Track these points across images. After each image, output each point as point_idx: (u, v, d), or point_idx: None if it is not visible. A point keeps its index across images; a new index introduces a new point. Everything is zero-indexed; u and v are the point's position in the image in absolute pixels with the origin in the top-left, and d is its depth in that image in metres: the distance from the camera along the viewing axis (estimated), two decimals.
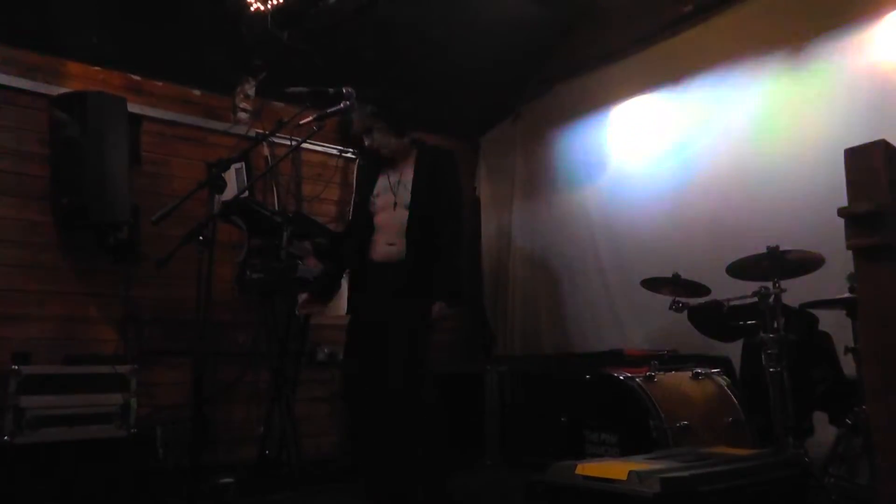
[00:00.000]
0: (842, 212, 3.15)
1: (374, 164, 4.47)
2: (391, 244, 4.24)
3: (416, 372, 4.08)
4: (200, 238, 3.70)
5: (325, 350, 6.13)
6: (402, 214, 4.23)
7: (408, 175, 4.31)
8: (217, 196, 3.93)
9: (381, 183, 4.37)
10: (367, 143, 4.37)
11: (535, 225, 6.86)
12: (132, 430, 4.81)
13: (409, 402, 4.09)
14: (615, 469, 2.95)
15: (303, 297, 5.27)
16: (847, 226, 3.32)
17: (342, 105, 4.20)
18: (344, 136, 6.51)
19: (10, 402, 4.44)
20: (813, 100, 4.97)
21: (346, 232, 4.84)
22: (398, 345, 4.10)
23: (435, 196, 4.26)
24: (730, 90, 5.47)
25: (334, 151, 6.52)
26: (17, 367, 4.51)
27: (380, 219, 4.33)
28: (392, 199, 4.28)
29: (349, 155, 6.65)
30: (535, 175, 7.02)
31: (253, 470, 5.08)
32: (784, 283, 4.03)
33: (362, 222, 4.39)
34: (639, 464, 3.08)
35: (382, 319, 4.15)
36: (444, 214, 4.25)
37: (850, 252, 2.61)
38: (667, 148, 5.88)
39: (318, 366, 6.03)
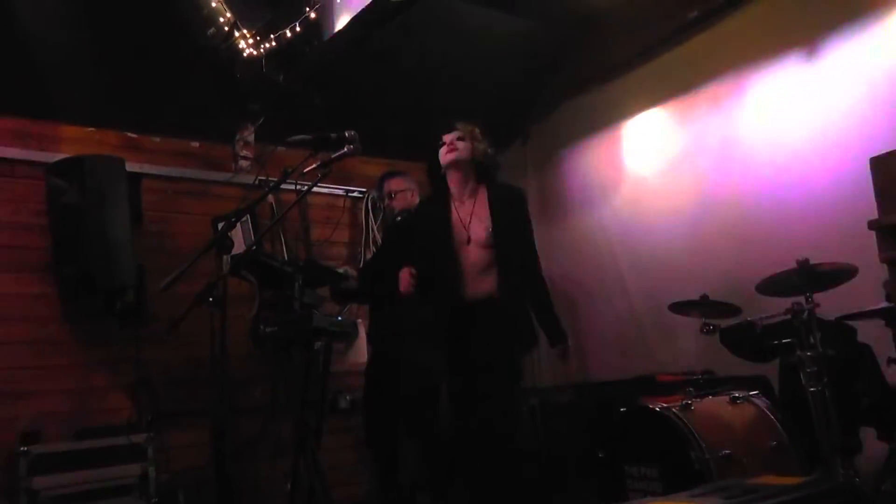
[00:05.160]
0: (873, 224, 3.01)
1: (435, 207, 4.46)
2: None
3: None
4: (210, 299, 3.60)
5: (347, 397, 6.04)
6: (477, 251, 4.23)
7: (481, 212, 4.29)
8: (225, 256, 3.83)
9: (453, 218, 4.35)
10: (446, 148, 4.33)
11: (552, 249, 6.67)
12: (153, 500, 4.74)
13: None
14: None
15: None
16: (879, 238, 3.17)
17: (346, 149, 4.10)
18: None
19: (23, 485, 4.36)
20: (832, 101, 4.81)
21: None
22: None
23: (513, 234, 4.27)
24: (744, 96, 5.33)
25: (340, 192, 6.43)
26: (25, 449, 4.43)
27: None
28: (465, 235, 4.26)
29: (356, 194, 6.56)
30: (549, 197, 6.89)
31: None
32: (817, 297, 3.88)
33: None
34: (683, 503, 2.96)
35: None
36: (529, 254, 4.36)
37: None
38: (683, 161, 5.75)
39: (340, 414, 5.93)
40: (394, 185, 5.54)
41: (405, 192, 5.52)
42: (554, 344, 4.31)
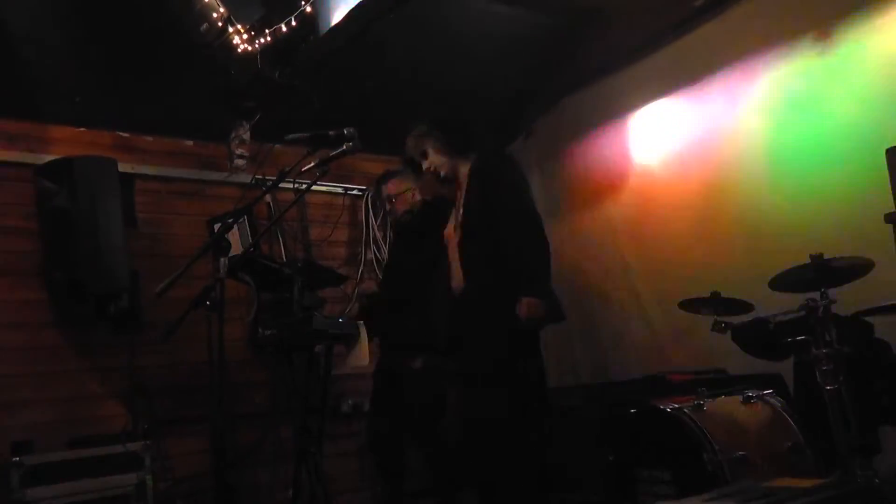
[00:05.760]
0: (889, 217, 2.89)
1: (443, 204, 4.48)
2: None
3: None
4: (207, 303, 3.51)
5: (350, 402, 5.95)
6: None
7: (462, 195, 4.23)
8: (222, 259, 3.74)
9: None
10: (423, 167, 4.36)
11: (558, 246, 6.56)
12: None
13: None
14: None
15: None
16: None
17: (345, 147, 4.01)
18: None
19: (15, 497, 4.24)
20: (845, 89, 4.71)
21: None
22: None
23: (484, 211, 4.10)
24: (754, 86, 5.22)
25: (339, 190, 6.37)
26: (17, 459, 4.31)
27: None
28: (455, 222, 4.23)
29: (355, 192, 6.49)
30: (554, 193, 6.79)
31: None
32: (832, 292, 3.75)
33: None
34: None
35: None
36: (512, 223, 4.09)
37: None
38: (692, 154, 5.66)
39: (342, 418, 5.87)
40: (392, 188, 5.47)
41: (405, 193, 5.44)
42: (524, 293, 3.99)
